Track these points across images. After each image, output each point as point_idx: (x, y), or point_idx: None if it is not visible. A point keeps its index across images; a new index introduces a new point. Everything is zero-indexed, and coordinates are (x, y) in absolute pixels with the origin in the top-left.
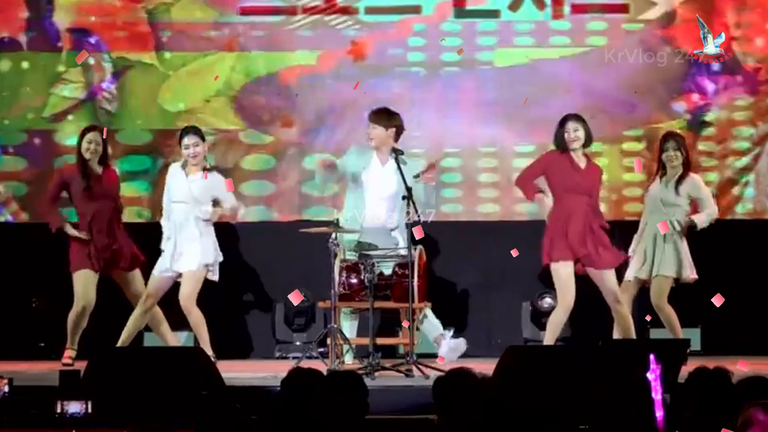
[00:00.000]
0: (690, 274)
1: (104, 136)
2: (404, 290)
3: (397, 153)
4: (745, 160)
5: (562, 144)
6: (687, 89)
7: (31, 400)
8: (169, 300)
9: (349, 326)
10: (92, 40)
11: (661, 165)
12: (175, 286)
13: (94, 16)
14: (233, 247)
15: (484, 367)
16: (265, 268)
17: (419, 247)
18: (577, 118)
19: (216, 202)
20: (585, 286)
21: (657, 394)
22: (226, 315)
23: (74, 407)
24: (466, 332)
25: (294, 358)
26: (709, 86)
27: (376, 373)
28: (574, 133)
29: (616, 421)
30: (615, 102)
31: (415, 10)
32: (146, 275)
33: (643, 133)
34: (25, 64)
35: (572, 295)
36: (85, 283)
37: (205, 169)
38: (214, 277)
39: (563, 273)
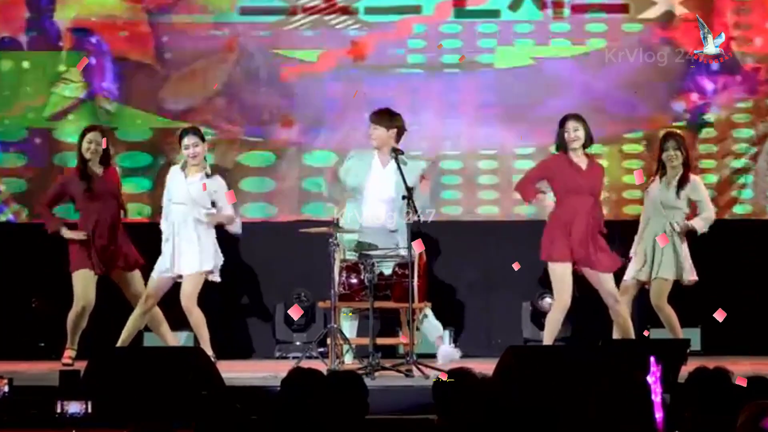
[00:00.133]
0: (690, 276)
1: (105, 137)
2: (404, 290)
3: (397, 153)
4: (744, 160)
5: (562, 144)
6: (686, 89)
7: (31, 400)
8: (169, 300)
9: (349, 326)
10: (93, 39)
11: (661, 165)
12: (176, 287)
13: (95, 15)
14: (233, 247)
15: (484, 367)
16: (265, 268)
17: (419, 240)
18: (577, 117)
19: (214, 205)
20: (585, 286)
21: (657, 395)
22: (226, 315)
23: (74, 407)
24: (466, 332)
25: (294, 358)
26: (709, 86)
27: (376, 373)
28: (574, 132)
29: (616, 421)
30: (615, 102)
31: (415, 10)
32: (146, 276)
33: (643, 135)
34: (25, 64)
35: (569, 294)
36: (84, 283)
37: (207, 176)
38: (216, 278)
39: (561, 272)
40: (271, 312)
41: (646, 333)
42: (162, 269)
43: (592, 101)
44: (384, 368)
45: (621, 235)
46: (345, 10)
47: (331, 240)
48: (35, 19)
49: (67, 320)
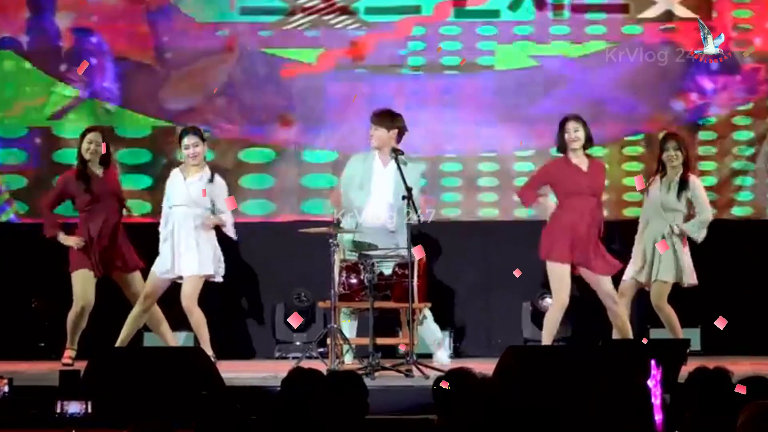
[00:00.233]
0: (689, 279)
1: (105, 138)
2: (404, 290)
3: (397, 153)
4: (743, 161)
5: (562, 144)
6: (686, 89)
7: (31, 400)
8: (170, 300)
9: (349, 326)
10: (93, 39)
11: (661, 165)
12: (176, 287)
13: (96, 15)
14: (233, 247)
15: (484, 367)
16: (265, 268)
17: (419, 247)
18: (577, 118)
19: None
20: (585, 286)
21: (657, 396)
22: (226, 315)
23: (74, 407)
24: (466, 332)
25: (294, 358)
26: (709, 86)
27: (376, 373)
28: (575, 133)
29: (616, 421)
30: (615, 102)
31: (415, 10)
32: (146, 275)
33: (644, 138)
34: (26, 64)
35: (567, 294)
36: (84, 283)
37: (210, 181)
38: (218, 279)
39: (560, 272)
40: (271, 312)
41: (644, 341)
42: (162, 270)
43: (592, 102)
44: (384, 368)
45: (621, 235)
46: (345, 10)
47: (331, 240)
48: (36, 19)
49: (66, 320)
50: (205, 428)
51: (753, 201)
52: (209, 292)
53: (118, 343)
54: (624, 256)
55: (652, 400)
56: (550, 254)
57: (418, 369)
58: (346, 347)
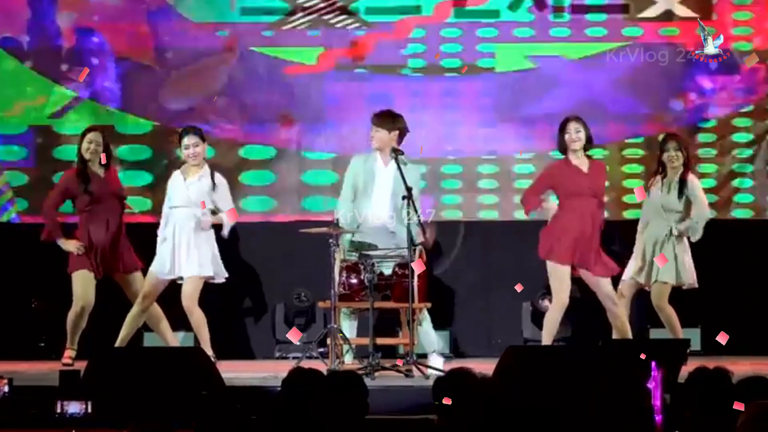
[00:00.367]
0: (689, 280)
1: (105, 138)
2: (404, 290)
3: (397, 153)
4: (743, 158)
5: (562, 145)
6: (686, 89)
7: (31, 400)
8: (170, 300)
9: (349, 326)
10: (95, 39)
11: (661, 166)
12: (176, 287)
13: (97, 15)
14: (233, 247)
15: (484, 367)
16: (265, 268)
17: (419, 247)
18: (578, 119)
19: (214, 210)
20: (585, 287)
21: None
22: (226, 315)
23: (74, 407)
24: (466, 332)
25: (294, 358)
26: (708, 86)
27: (376, 373)
28: (576, 134)
29: (616, 421)
30: (615, 102)
31: (415, 10)
32: (145, 275)
33: (644, 141)
34: (27, 63)
35: (567, 294)
36: (84, 283)
37: (213, 188)
38: (219, 281)
39: (560, 272)
40: (271, 312)
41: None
42: (161, 271)
43: (592, 103)
44: (384, 368)
45: (621, 235)
46: (345, 10)
47: (331, 240)
48: (37, 19)
49: (66, 320)
50: (205, 428)
51: (753, 203)
52: (209, 292)
53: (117, 343)
54: (624, 257)
55: (652, 400)
56: (550, 255)
57: (418, 369)
58: (346, 347)
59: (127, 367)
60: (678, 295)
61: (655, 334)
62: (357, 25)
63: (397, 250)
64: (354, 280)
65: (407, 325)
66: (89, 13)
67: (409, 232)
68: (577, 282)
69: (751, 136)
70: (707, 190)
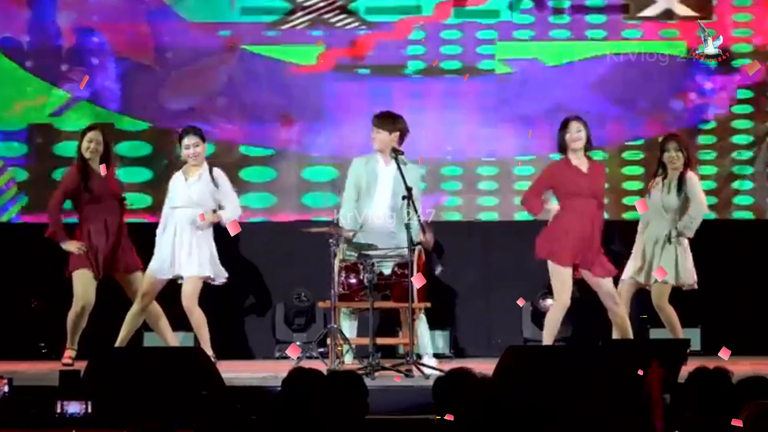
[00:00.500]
0: (689, 281)
1: (105, 136)
2: (404, 290)
3: (396, 153)
4: (743, 160)
5: (563, 145)
6: (686, 89)
7: (31, 400)
8: (170, 300)
9: (348, 326)
10: (94, 38)
11: (661, 167)
12: (176, 287)
13: (97, 15)
14: (233, 247)
15: (484, 367)
16: (265, 268)
17: (418, 246)
18: (579, 119)
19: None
20: (585, 287)
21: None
22: (226, 315)
23: (74, 407)
24: (466, 332)
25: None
26: (708, 86)
27: (376, 373)
28: (577, 133)
29: (616, 421)
30: (615, 103)
31: (415, 10)
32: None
33: (644, 143)
34: (27, 63)
35: (569, 294)
36: (84, 283)
37: (215, 187)
38: (218, 282)
39: (562, 272)
40: (271, 312)
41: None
42: (160, 269)
43: (592, 103)
44: (384, 368)
45: (621, 235)
46: (345, 10)
47: (331, 240)
48: (37, 19)
49: (67, 320)
50: (205, 428)
51: (753, 205)
52: (209, 292)
53: (117, 343)
54: (624, 258)
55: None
56: (552, 256)
57: (418, 369)
58: (346, 347)
59: (127, 367)
60: (678, 295)
61: (655, 334)
62: (357, 24)
63: (396, 249)
64: (353, 280)
65: (407, 325)
66: (89, 13)
67: (408, 232)
68: (576, 282)
69: (751, 138)
70: (707, 192)
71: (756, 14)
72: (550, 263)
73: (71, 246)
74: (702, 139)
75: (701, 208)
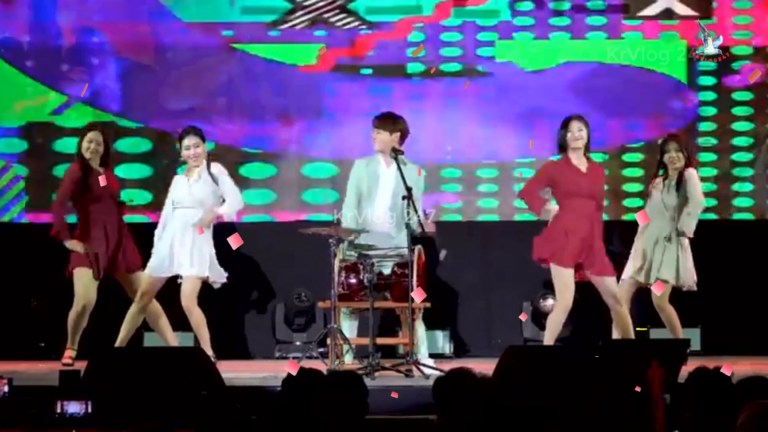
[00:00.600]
0: (689, 282)
1: (105, 137)
2: (404, 290)
3: (396, 153)
4: (743, 160)
5: (563, 144)
6: (686, 89)
7: (31, 400)
8: (170, 300)
9: (348, 326)
10: (95, 38)
11: (662, 167)
12: (176, 287)
13: (97, 15)
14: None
15: (484, 367)
16: (265, 268)
17: (418, 246)
18: (581, 118)
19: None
20: (584, 286)
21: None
22: (226, 315)
23: (74, 407)
24: (466, 332)
25: (294, 358)
26: (707, 86)
27: (376, 373)
28: (578, 132)
29: (616, 421)
30: (615, 102)
31: (416, 10)
32: None
33: (644, 145)
34: (27, 63)
35: (571, 295)
36: (85, 282)
37: (209, 167)
38: (218, 284)
39: (564, 273)
40: (271, 312)
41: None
42: (159, 268)
43: (591, 103)
44: (384, 368)
45: (621, 236)
46: (345, 10)
47: (331, 240)
48: (37, 18)
49: (67, 320)
50: (205, 428)
51: (753, 207)
52: (209, 292)
53: (117, 343)
54: (623, 258)
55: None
56: (554, 257)
57: (418, 369)
58: (346, 347)
59: (127, 367)
60: (678, 295)
61: (655, 334)
62: (357, 24)
63: (396, 249)
64: (353, 280)
65: (407, 325)
66: (89, 13)
67: (408, 232)
68: (576, 282)
69: (751, 140)
70: (707, 194)
71: (756, 16)
72: (552, 265)
73: (76, 245)
74: (702, 141)
75: (698, 203)
